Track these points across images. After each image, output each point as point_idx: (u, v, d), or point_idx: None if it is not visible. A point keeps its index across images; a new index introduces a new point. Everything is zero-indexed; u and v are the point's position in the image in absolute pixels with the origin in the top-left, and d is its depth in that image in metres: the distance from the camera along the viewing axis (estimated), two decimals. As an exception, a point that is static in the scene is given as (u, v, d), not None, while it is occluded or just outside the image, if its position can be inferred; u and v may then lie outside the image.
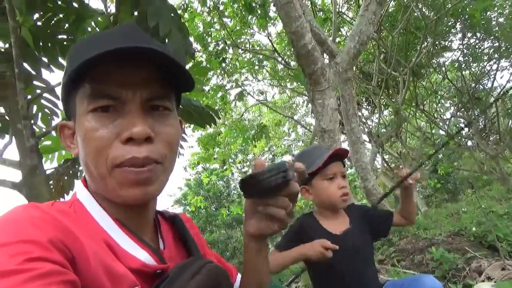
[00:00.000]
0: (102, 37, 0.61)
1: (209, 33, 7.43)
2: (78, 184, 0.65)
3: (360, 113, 9.39)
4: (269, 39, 8.15)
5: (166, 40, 2.02)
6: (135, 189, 0.57)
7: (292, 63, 8.26)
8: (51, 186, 2.06)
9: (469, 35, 7.59)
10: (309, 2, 6.52)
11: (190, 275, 0.58)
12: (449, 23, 7.32)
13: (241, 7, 6.80)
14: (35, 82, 2.36)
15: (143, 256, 0.59)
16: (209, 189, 15.28)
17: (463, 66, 7.83)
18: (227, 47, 7.52)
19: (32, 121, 2.41)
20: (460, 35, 7.65)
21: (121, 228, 0.59)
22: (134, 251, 0.58)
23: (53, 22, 2.19)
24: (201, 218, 14.90)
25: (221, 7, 7.25)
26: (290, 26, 2.80)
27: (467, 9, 6.42)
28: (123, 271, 0.53)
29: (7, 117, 2.14)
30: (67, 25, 2.22)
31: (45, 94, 2.37)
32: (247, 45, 8.12)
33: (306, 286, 3.36)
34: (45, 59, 2.32)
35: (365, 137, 9.45)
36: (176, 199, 16.04)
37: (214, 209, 15.53)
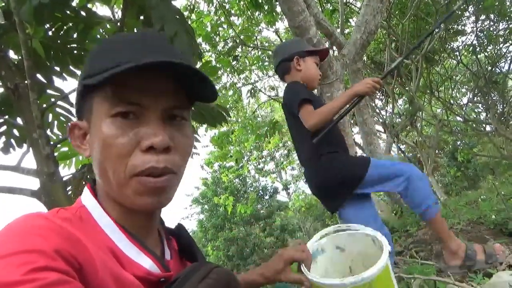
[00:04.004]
0: (127, 44, 0.60)
1: (217, 32, 7.43)
2: (84, 189, 0.64)
3: (373, 104, 9.26)
4: (277, 35, 8.11)
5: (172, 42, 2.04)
6: (150, 198, 0.57)
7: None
8: (69, 192, 2.11)
9: (482, 17, 7.39)
10: (316, -5, 6.45)
11: (198, 278, 0.58)
12: (461, 7, 7.14)
13: (247, 4, 6.78)
14: (48, 91, 2.43)
15: (148, 263, 0.59)
16: (227, 187, 15.32)
17: (477, 49, 7.63)
18: (236, 46, 7.52)
19: (49, 129, 2.48)
20: (473, 18, 7.46)
21: (125, 235, 0.59)
22: (138, 258, 0.58)
23: (62, 32, 2.24)
24: (220, 216, 14.97)
25: (227, 6, 7.24)
26: (294, 21, 2.79)
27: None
28: (130, 278, 0.54)
29: (24, 127, 2.20)
30: (76, 34, 2.27)
31: (59, 102, 2.42)
32: (256, 42, 8.09)
33: None
34: (57, 68, 2.37)
35: (380, 128, 9.33)
36: (194, 198, 16.16)
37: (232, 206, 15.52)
